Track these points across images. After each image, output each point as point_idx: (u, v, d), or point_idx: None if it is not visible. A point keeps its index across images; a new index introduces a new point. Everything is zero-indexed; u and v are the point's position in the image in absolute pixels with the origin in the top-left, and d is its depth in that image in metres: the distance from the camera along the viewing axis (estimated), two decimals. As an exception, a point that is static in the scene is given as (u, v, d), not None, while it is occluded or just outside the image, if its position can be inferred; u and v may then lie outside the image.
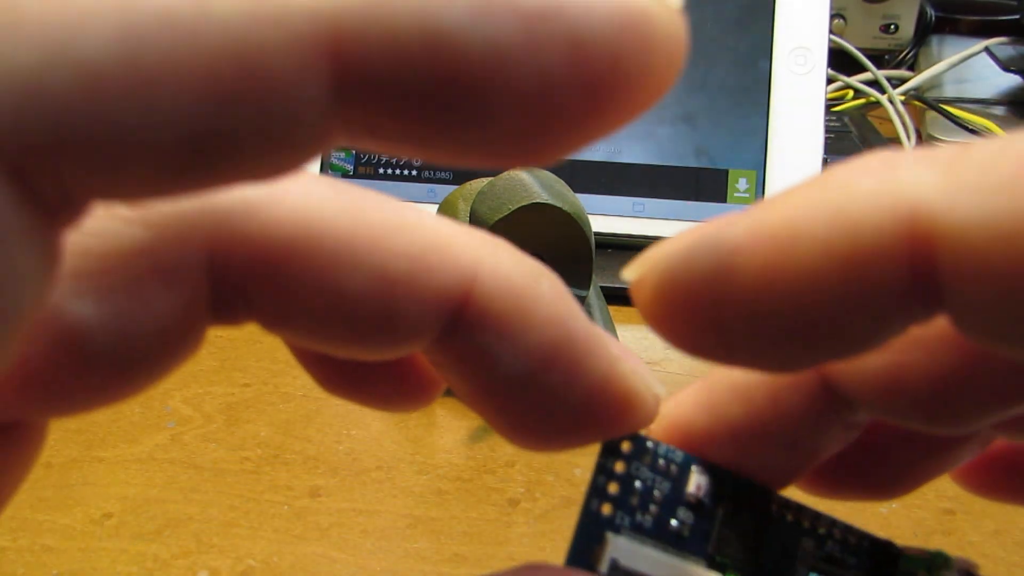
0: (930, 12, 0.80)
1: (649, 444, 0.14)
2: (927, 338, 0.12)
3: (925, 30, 0.79)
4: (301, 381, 0.34)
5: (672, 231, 0.48)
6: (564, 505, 0.28)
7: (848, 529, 0.14)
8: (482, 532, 0.27)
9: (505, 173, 0.30)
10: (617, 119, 0.09)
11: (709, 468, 0.14)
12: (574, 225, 0.29)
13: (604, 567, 0.13)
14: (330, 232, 0.11)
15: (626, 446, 0.13)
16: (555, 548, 0.26)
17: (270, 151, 0.09)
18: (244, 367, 0.35)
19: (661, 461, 0.14)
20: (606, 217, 0.44)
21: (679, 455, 0.14)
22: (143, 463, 0.29)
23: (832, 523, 0.14)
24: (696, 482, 0.13)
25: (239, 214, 0.11)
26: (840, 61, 0.72)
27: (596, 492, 0.13)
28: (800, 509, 0.14)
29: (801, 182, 0.11)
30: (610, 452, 0.13)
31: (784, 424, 0.13)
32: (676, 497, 0.13)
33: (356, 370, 0.14)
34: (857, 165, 0.10)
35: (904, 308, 0.10)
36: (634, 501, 0.13)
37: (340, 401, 0.36)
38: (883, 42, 0.78)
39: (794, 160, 0.43)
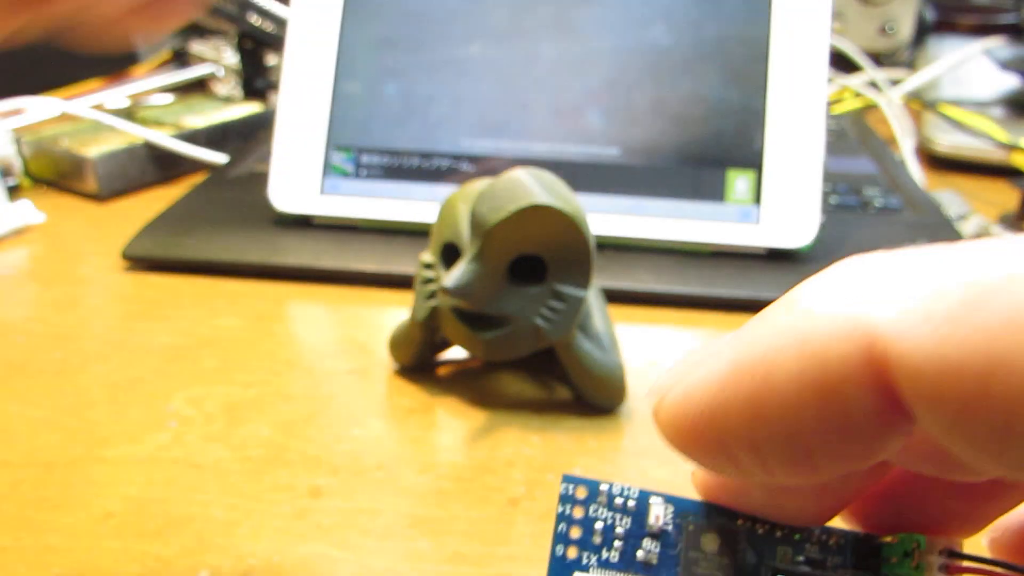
0: (928, 13, 0.80)
1: (603, 487, 0.15)
2: None
3: (923, 31, 0.80)
4: (302, 381, 0.35)
5: (671, 231, 0.47)
6: (564, 504, 0.28)
7: (826, 531, 0.15)
8: (483, 532, 0.27)
9: (505, 174, 0.30)
10: None
11: (667, 499, 0.15)
12: (574, 225, 0.29)
13: None
14: None
15: (581, 492, 0.15)
16: (555, 547, 0.26)
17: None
18: (245, 367, 0.35)
19: (618, 500, 0.14)
20: (606, 217, 0.44)
21: (635, 491, 0.15)
22: (145, 463, 0.30)
23: (809, 527, 0.15)
24: (655, 513, 0.14)
25: None
26: (838, 62, 0.73)
27: (560, 538, 0.14)
28: (771, 521, 0.15)
29: (773, 306, 0.12)
30: (567, 500, 0.14)
31: None
32: (639, 530, 0.14)
33: None
34: (823, 283, 0.11)
35: (883, 426, 0.10)
36: (597, 540, 0.14)
37: (341, 401, 0.37)
38: (881, 43, 0.78)
39: (793, 161, 0.44)
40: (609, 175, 0.45)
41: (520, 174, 0.30)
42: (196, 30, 0.75)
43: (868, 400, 0.10)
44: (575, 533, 0.14)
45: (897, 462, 0.13)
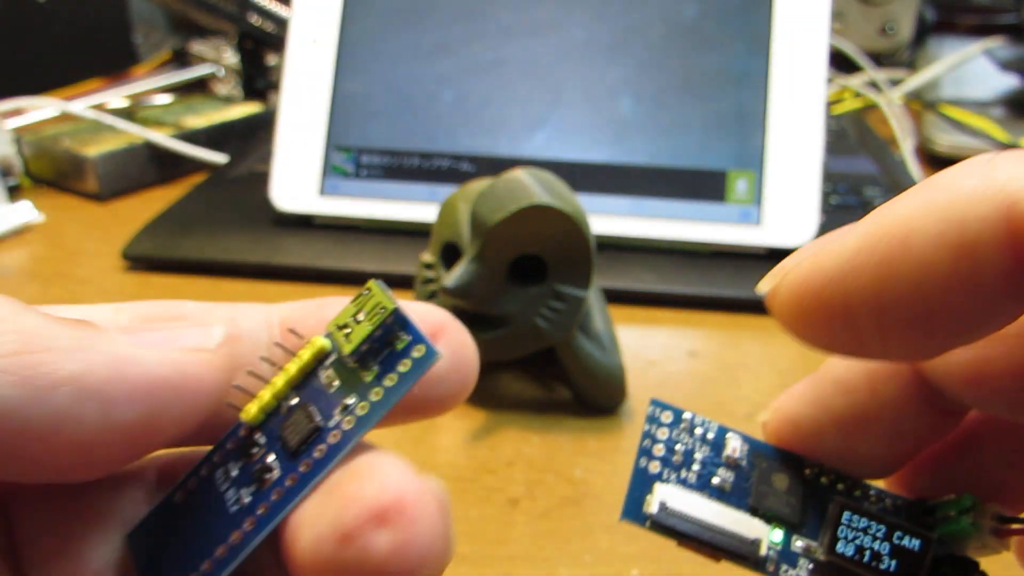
0: (928, 13, 0.80)
1: (686, 415, 0.16)
2: (1010, 333, 0.13)
3: (923, 31, 0.80)
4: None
5: (672, 231, 0.47)
6: (565, 505, 0.28)
7: (882, 492, 0.15)
8: (483, 532, 0.27)
9: (505, 174, 0.30)
10: None
11: (743, 437, 0.16)
12: (574, 226, 0.29)
13: (654, 509, 0.15)
14: None
15: (666, 416, 0.16)
16: (556, 548, 0.26)
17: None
18: (245, 367, 0.35)
19: (699, 430, 0.16)
20: (606, 217, 0.44)
21: (714, 425, 0.16)
22: (145, 463, 0.29)
23: (867, 487, 0.15)
24: (733, 446, 0.15)
25: None
26: (838, 62, 0.73)
27: (644, 453, 0.15)
28: (836, 473, 0.15)
29: (911, 188, 0.12)
30: (653, 421, 0.16)
31: (883, 413, 0.15)
32: (716, 459, 0.15)
33: None
34: (961, 167, 0.12)
35: (1013, 291, 0.11)
36: (677, 460, 0.15)
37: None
38: (881, 43, 0.78)
39: (793, 162, 0.44)
40: (609, 175, 0.45)
41: (520, 174, 0.30)
42: (196, 30, 0.75)
43: (1001, 261, 0.11)
44: (658, 451, 0.15)
45: (979, 404, 0.14)
